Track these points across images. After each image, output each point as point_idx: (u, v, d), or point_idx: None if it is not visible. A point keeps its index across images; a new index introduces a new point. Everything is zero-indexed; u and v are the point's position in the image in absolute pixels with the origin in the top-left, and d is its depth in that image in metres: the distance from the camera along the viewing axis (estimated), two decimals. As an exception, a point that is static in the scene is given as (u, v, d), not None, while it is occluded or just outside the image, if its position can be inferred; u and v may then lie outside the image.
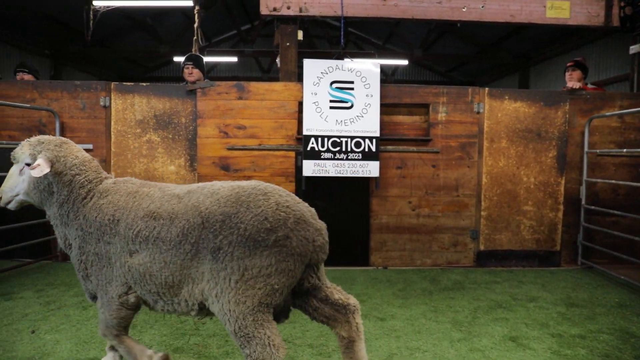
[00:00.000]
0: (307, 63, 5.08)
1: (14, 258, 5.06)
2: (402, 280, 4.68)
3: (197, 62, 5.45)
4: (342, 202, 5.31)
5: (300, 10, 5.52)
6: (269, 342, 2.06)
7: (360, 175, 5.10)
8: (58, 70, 13.69)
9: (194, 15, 6.57)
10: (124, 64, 16.05)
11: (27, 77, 5.86)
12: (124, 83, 5.27)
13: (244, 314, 2.05)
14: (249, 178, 5.17)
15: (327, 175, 5.07)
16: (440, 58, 15.12)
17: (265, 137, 5.17)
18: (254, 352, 2.05)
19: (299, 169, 5.15)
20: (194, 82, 5.29)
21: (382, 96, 5.17)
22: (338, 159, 5.06)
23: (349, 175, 5.09)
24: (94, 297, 2.48)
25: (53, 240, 5.14)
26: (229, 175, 5.17)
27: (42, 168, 2.31)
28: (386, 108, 5.28)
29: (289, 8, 5.50)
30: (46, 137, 2.48)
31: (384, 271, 5.07)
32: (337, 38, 14.48)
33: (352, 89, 5.09)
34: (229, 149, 5.17)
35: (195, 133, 5.22)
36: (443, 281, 4.67)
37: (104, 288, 2.34)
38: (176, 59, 13.98)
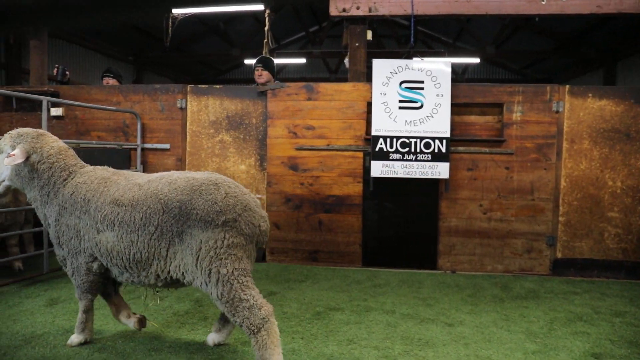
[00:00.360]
0: (376, 63, 5.05)
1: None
2: (472, 286, 4.52)
3: (266, 64, 5.59)
4: (409, 203, 5.22)
5: (370, 10, 5.49)
6: (254, 304, 2.38)
7: (429, 176, 4.99)
8: (139, 75, 14.61)
9: (265, 18, 6.74)
10: (198, 67, 16.82)
11: (112, 81, 6.29)
12: (199, 86, 5.52)
13: (223, 281, 2.38)
14: (317, 178, 5.23)
15: (395, 176, 5.01)
16: (514, 55, 14.46)
17: (333, 138, 5.21)
18: (242, 316, 2.37)
19: (366, 169, 5.14)
20: (264, 84, 5.43)
21: (453, 96, 5.02)
22: (407, 160, 4.98)
23: (417, 176, 4.99)
24: (64, 264, 2.89)
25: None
26: (297, 175, 5.26)
27: (15, 158, 2.70)
28: (457, 108, 5.13)
29: (358, 8, 5.49)
30: (25, 129, 2.85)
31: (452, 275, 4.93)
32: (405, 37, 14.27)
33: (422, 88, 4.99)
34: (297, 149, 5.25)
35: (265, 133, 5.36)
36: (515, 289, 4.46)
37: (74, 256, 2.77)
38: (247, 61, 14.43)
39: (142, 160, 5.44)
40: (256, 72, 5.55)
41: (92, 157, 5.35)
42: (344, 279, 4.67)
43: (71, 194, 2.73)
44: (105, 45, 12.80)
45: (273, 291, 4.18)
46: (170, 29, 7.90)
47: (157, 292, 3.02)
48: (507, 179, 5.07)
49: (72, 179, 2.79)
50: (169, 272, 2.56)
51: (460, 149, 5.09)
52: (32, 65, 6.18)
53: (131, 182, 2.72)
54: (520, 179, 5.05)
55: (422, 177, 4.99)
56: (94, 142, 5.39)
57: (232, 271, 2.40)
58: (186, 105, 5.49)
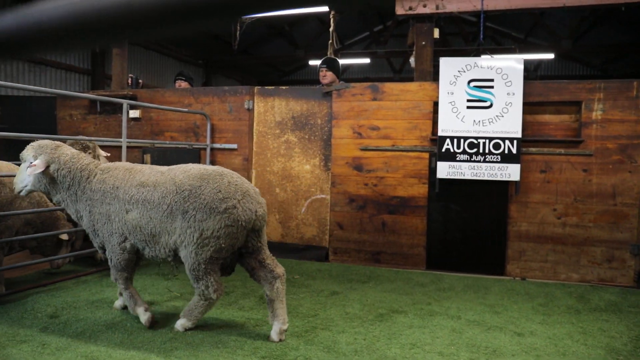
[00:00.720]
0: (444, 61, 4.92)
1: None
2: (544, 295, 4.29)
3: (331, 65, 5.62)
4: (476, 206, 5.03)
5: (437, 8, 5.36)
6: (210, 284, 3.00)
7: (498, 178, 4.79)
8: (208, 78, 15.22)
9: (329, 19, 6.79)
10: (264, 69, 17.25)
11: (184, 84, 6.59)
12: (266, 87, 5.66)
13: (199, 261, 2.94)
14: (381, 179, 5.19)
15: (462, 177, 4.86)
16: (594, 49, 13.52)
17: (398, 138, 5.14)
18: (200, 287, 3.01)
19: (432, 170, 5.02)
20: (328, 84, 5.47)
21: (525, 94, 4.78)
22: (475, 161, 4.82)
23: (486, 178, 4.81)
24: (103, 250, 3.29)
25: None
26: (361, 176, 5.25)
27: (36, 168, 3.10)
28: (529, 107, 4.88)
29: (425, 6, 5.38)
30: (44, 141, 3.26)
31: (522, 283, 4.70)
32: (473, 34, 13.78)
33: (492, 87, 4.80)
34: (362, 150, 5.24)
35: (330, 134, 5.39)
36: (594, 300, 4.17)
37: (108, 239, 3.17)
38: (311, 62, 14.59)
39: (211, 160, 5.66)
40: (321, 73, 5.60)
41: (164, 156, 5.67)
42: (407, 281, 4.60)
43: (100, 187, 3.15)
44: (178, 50, 13.46)
45: (336, 291, 4.20)
46: (238, 32, 8.16)
47: (175, 276, 3.42)
48: (585, 182, 4.75)
49: (94, 175, 3.21)
50: (170, 245, 3.03)
51: (533, 149, 4.84)
52: (114, 71, 6.63)
53: (154, 170, 3.21)
54: (600, 182, 4.72)
55: (490, 179, 4.81)
56: (167, 142, 5.68)
57: (209, 257, 2.94)
58: (253, 106, 5.65)
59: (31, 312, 3.48)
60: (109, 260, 3.24)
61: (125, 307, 3.53)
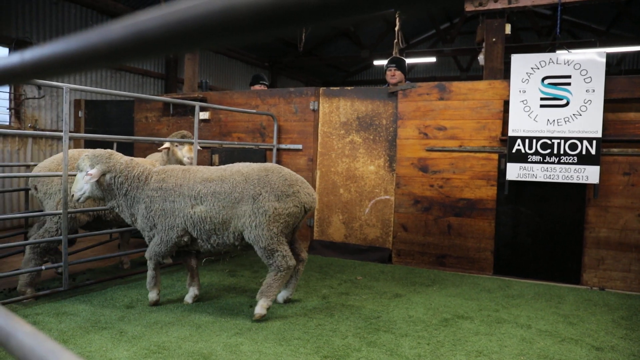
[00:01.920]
0: (516, 58, 4.70)
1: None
2: (626, 307, 3.97)
3: (399, 65, 5.55)
4: (549, 210, 4.75)
5: (509, 2, 5.12)
6: (286, 254, 3.40)
7: (574, 181, 4.50)
8: (274, 79, 15.56)
9: (395, 19, 6.70)
10: (328, 69, 17.35)
11: (263, 88, 6.64)
12: (331, 88, 5.69)
13: (271, 237, 3.33)
14: (447, 180, 5.05)
15: (534, 180, 4.61)
16: (688, 40, 12.31)
17: (466, 139, 4.97)
18: (277, 261, 3.37)
19: (501, 172, 4.81)
20: (395, 84, 5.40)
21: (607, 90, 4.45)
22: (548, 163, 4.56)
23: (560, 180, 4.54)
24: (151, 237, 3.53)
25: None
26: (426, 177, 5.13)
27: (92, 177, 3.34)
28: (611, 104, 4.54)
29: (496, 1, 5.16)
30: (99, 151, 3.48)
31: (601, 293, 4.38)
32: (547, 28, 13.05)
33: (569, 84, 4.52)
34: (428, 150, 5.12)
35: (395, 134, 5.32)
36: (685, 315, 3.80)
37: (166, 231, 3.44)
38: (376, 62, 14.50)
39: (277, 160, 5.78)
40: (389, 73, 5.54)
41: (232, 156, 5.86)
42: (473, 286, 4.44)
43: (159, 185, 3.45)
44: (246, 53, 13.88)
45: (399, 293, 4.14)
46: (304, 34, 8.27)
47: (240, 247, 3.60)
48: (676, 186, 4.35)
49: (151, 178, 3.49)
50: (239, 228, 3.37)
51: (615, 150, 4.50)
52: (186, 75, 6.95)
53: (210, 168, 3.57)
54: (693, 186, 4.30)
55: (566, 181, 4.52)
56: (235, 142, 5.87)
57: (280, 231, 3.37)
58: (318, 107, 5.70)
59: (110, 301, 3.73)
60: (156, 246, 3.51)
61: (196, 300, 3.74)
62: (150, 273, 3.61)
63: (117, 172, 3.44)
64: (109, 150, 3.58)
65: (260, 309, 3.36)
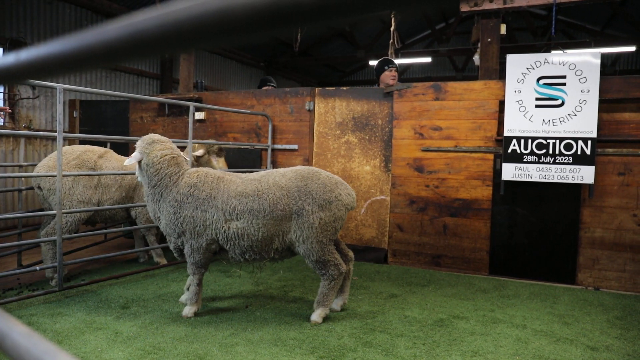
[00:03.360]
0: (511, 58, 4.72)
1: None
2: (621, 307, 3.99)
3: (396, 66, 5.58)
4: (545, 210, 4.77)
5: (505, 2, 5.14)
6: (338, 262, 3.33)
7: (569, 181, 4.52)
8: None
9: (390, 19, 6.71)
10: (323, 70, 17.36)
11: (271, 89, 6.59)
12: (327, 88, 5.69)
13: (322, 248, 3.26)
14: (443, 180, 5.06)
15: (529, 180, 4.63)
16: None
17: (461, 139, 4.99)
18: (330, 271, 3.32)
19: (497, 172, 4.83)
20: (391, 85, 5.41)
21: (602, 91, 4.47)
22: (543, 163, 4.58)
23: (556, 180, 4.56)
24: (179, 250, 3.44)
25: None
26: (422, 177, 5.14)
27: (130, 159, 3.30)
28: (606, 105, 4.56)
29: (491, 1, 5.18)
30: (148, 136, 3.41)
31: (596, 293, 4.40)
32: (542, 29, 13.11)
33: (564, 84, 4.54)
34: (423, 150, 5.13)
35: (390, 134, 5.33)
36: (679, 314, 3.83)
37: (196, 239, 3.30)
38: (371, 62, 14.51)
39: (272, 160, 5.77)
40: (389, 73, 5.51)
41: (227, 156, 5.85)
42: (468, 286, 4.46)
43: (190, 191, 3.28)
44: (241, 53, 13.85)
45: (394, 293, 4.15)
46: (299, 34, 8.27)
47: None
48: (670, 186, 4.38)
49: (182, 179, 3.32)
50: (286, 243, 3.30)
51: (609, 150, 4.53)
52: (181, 75, 6.93)
53: (245, 179, 3.39)
54: (686, 186, 4.33)
55: (561, 181, 4.55)
56: (230, 142, 5.86)
57: (328, 241, 3.30)
58: (314, 107, 5.70)
59: (105, 302, 3.72)
60: (190, 258, 3.37)
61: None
62: (193, 289, 3.45)
63: (150, 162, 3.30)
64: (156, 136, 3.46)
65: (317, 317, 3.34)
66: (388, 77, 5.51)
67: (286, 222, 3.24)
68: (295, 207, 3.22)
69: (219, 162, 4.80)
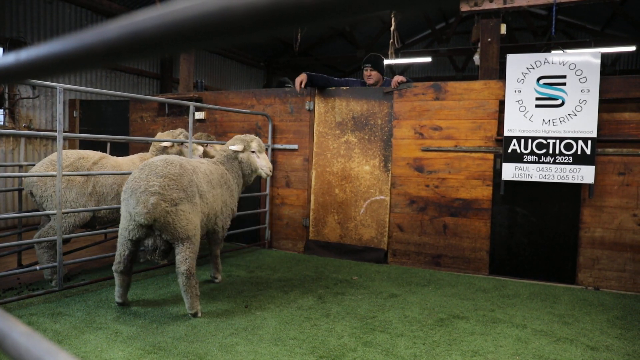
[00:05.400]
0: (511, 58, 4.72)
1: (233, 242, 5.94)
2: (621, 307, 3.99)
3: (375, 63, 5.54)
4: (545, 210, 4.77)
5: (505, 2, 5.14)
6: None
7: (569, 181, 4.52)
8: (269, 79, 15.54)
9: (391, 19, 6.70)
10: (323, 69, 17.35)
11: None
12: (327, 88, 5.68)
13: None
14: (443, 180, 5.06)
15: (529, 180, 4.63)
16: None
17: (461, 139, 4.99)
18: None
19: (497, 172, 4.83)
20: (373, 84, 5.41)
21: (602, 91, 4.47)
22: (543, 163, 4.58)
23: (556, 180, 4.56)
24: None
25: (262, 228, 5.86)
26: (422, 177, 5.14)
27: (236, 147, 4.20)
28: (606, 104, 4.56)
29: (491, 1, 5.18)
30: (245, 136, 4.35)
31: (596, 293, 4.40)
32: (542, 28, 13.11)
33: (564, 84, 4.54)
34: (423, 150, 5.13)
35: (390, 134, 5.33)
36: (679, 314, 3.83)
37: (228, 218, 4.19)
38: (371, 62, 14.50)
39: (272, 160, 5.77)
40: (365, 73, 5.53)
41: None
42: (468, 286, 4.46)
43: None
44: (242, 53, 13.85)
45: (394, 293, 4.15)
46: (299, 34, 8.26)
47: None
48: (670, 186, 4.38)
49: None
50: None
51: (610, 150, 4.53)
52: (181, 75, 6.93)
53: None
54: (686, 186, 4.33)
55: (561, 181, 4.55)
56: (231, 142, 5.85)
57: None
58: (314, 107, 5.70)
59: (105, 301, 3.72)
60: (223, 234, 4.16)
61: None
62: (215, 262, 4.39)
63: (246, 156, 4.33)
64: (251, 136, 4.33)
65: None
66: (365, 76, 5.53)
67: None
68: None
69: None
